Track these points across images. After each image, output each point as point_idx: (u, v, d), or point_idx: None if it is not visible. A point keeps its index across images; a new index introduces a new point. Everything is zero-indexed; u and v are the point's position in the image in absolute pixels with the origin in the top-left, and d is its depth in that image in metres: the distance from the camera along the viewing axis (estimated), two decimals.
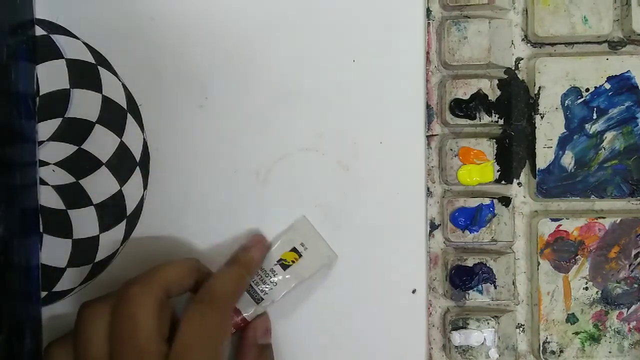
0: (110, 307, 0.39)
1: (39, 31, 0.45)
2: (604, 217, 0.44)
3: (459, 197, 0.44)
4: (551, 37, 0.44)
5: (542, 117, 0.44)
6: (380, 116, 0.45)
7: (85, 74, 0.45)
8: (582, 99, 0.43)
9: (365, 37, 0.45)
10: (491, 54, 0.43)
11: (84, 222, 0.45)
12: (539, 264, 0.44)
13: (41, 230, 0.45)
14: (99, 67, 0.45)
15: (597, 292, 0.44)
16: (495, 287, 0.44)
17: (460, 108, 0.44)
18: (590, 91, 0.43)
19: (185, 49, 0.45)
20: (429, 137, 0.45)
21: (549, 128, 0.44)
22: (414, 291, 0.45)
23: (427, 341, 0.45)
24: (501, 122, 0.44)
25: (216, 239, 0.45)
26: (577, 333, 0.44)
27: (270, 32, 0.45)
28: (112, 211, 0.45)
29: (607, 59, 0.43)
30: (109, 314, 0.39)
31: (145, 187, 0.46)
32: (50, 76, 0.45)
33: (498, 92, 0.44)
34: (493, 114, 0.44)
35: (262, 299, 0.44)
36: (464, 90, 0.44)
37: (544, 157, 0.44)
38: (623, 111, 0.43)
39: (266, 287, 0.44)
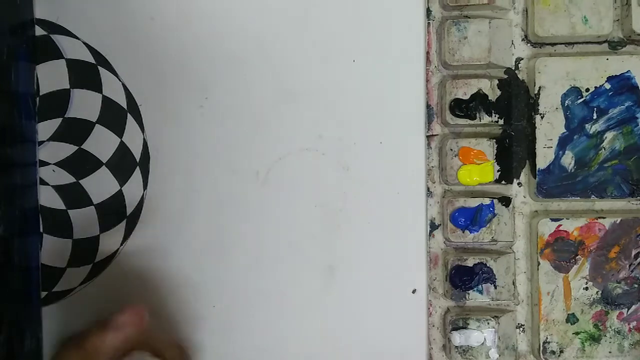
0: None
1: (39, 31, 0.45)
2: (604, 217, 0.44)
3: (459, 197, 0.44)
4: (551, 37, 0.43)
5: (542, 117, 0.44)
6: (380, 116, 0.45)
7: (85, 74, 0.45)
8: (582, 99, 0.43)
9: (365, 37, 0.45)
10: (491, 54, 0.43)
11: (84, 222, 0.45)
12: (539, 264, 0.44)
13: (41, 230, 0.45)
14: (99, 67, 0.45)
15: (597, 292, 0.44)
16: (495, 287, 0.44)
17: (460, 108, 0.44)
18: (590, 91, 0.43)
19: (185, 48, 0.45)
20: (429, 137, 0.45)
21: (549, 128, 0.44)
22: (414, 291, 0.45)
23: (427, 341, 0.45)
24: (501, 122, 0.44)
25: (216, 239, 0.45)
26: (577, 333, 0.44)
27: (270, 32, 0.45)
28: (112, 211, 0.45)
29: (607, 59, 0.43)
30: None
31: (145, 187, 0.46)
32: (50, 76, 0.45)
33: (498, 92, 0.44)
34: (493, 114, 0.44)
35: None
36: (464, 90, 0.44)
37: (544, 157, 0.44)
38: (623, 111, 0.43)
39: None
